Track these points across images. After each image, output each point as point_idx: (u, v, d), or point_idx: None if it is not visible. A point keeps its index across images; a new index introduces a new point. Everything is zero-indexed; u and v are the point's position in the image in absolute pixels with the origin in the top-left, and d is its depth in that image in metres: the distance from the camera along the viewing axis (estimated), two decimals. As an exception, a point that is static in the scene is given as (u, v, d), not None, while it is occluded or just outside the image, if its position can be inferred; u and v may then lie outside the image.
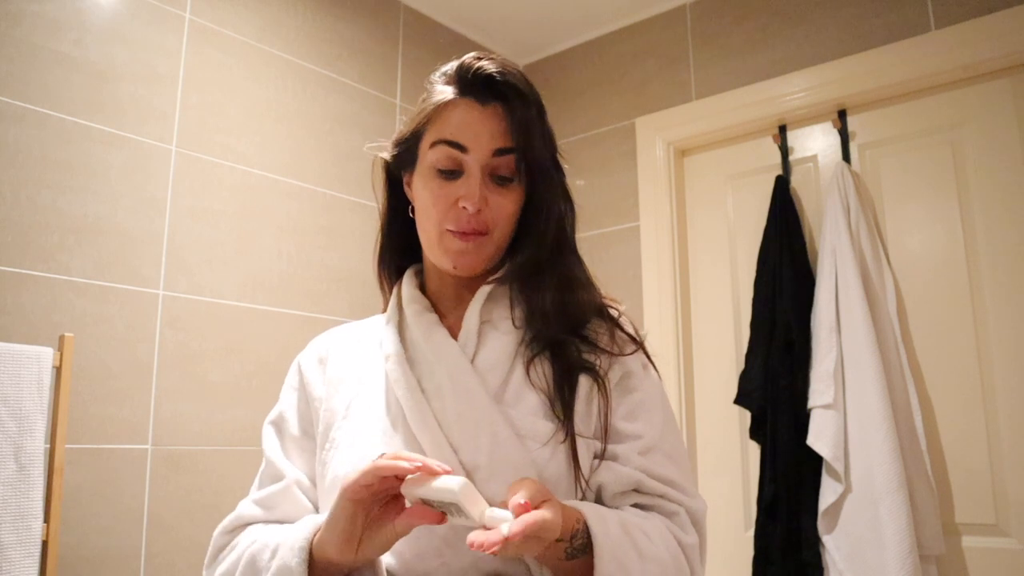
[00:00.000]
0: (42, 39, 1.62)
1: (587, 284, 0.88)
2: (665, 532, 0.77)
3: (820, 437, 1.86)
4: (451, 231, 0.83)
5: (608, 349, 0.84)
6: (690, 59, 2.42)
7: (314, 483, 0.86)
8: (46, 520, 1.48)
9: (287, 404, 0.92)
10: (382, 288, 0.96)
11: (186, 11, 1.88)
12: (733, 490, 2.18)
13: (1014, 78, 1.90)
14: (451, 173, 0.83)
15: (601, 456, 0.81)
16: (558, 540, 0.68)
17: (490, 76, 0.82)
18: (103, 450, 1.63)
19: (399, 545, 0.74)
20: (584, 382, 0.82)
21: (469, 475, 0.75)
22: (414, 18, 2.50)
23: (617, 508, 0.79)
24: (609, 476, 0.79)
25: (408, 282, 0.91)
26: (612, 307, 0.89)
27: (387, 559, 0.77)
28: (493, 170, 0.83)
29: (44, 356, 1.51)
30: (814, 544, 1.87)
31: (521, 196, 0.85)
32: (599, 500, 0.80)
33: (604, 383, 0.82)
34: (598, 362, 0.83)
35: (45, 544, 1.47)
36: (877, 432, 1.78)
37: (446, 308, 0.90)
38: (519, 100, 0.82)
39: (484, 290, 0.87)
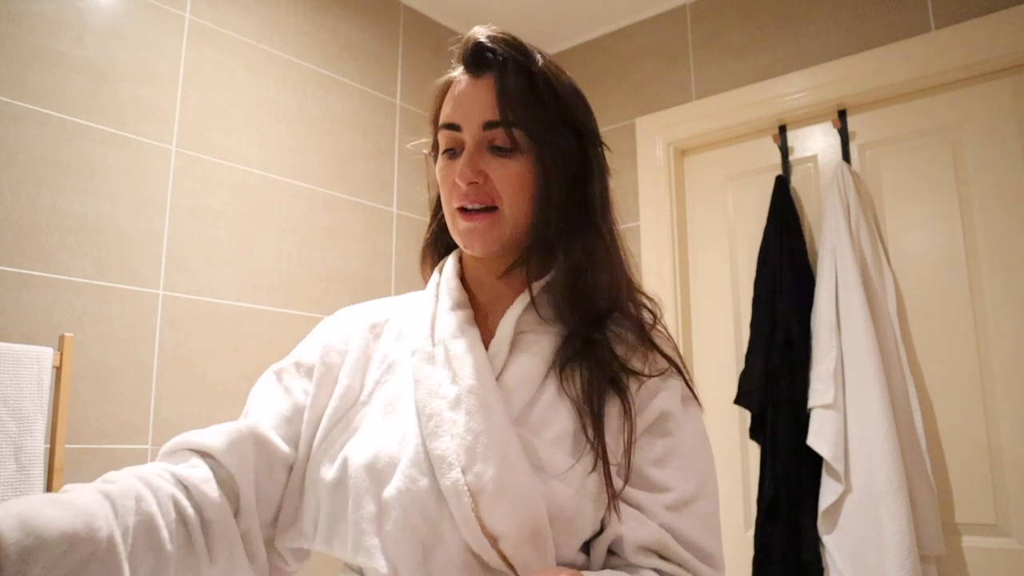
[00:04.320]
0: (42, 39, 1.62)
1: (610, 265, 0.81)
2: None
3: (820, 437, 1.86)
4: (459, 210, 0.80)
5: (641, 371, 0.78)
6: (690, 59, 2.42)
7: (285, 421, 0.80)
8: (46, 520, 1.48)
9: (306, 354, 0.85)
10: (424, 277, 0.93)
11: (186, 11, 1.88)
12: (733, 490, 2.18)
13: (1014, 78, 1.90)
14: (454, 152, 0.82)
15: (622, 483, 0.75)
16: None
17: (479, 45, 0.80)
18: (103, 450, 1.62)
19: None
20: (613, 407, 0.76)
21: (473, 497, 0.70)
22: (414, 18, 2.50)
23: (633, 567, 0.73)
24: (634, 527, 0.72)
25: (450, 266, 0.87)
26: (648, 307, 0.83)
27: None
28: (490, 142, 0.79)
29: (44, 356, 1.51)
30: (814, 544, 1.87)
31: (528, 166, 0.79)
32: (614, 550, 0.74)
33: (630, 404, 0.75)
34: (627, 383, 0.77)
35: (45, 544, 1.47)
36: (877, 432, 1.78)
37: (484, 299, 0.86)
38: (511, 68, 0.79)
39: (526, 296, 0.82)
